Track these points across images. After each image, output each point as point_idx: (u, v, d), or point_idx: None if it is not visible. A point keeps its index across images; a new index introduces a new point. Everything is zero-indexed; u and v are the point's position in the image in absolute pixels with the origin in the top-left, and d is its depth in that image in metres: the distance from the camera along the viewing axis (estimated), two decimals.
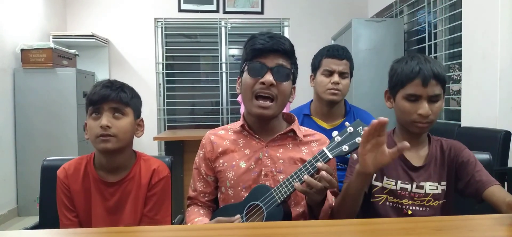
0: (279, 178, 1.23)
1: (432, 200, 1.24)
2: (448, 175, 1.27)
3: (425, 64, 1.19)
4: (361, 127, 1.11)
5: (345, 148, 1.10)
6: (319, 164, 1.07)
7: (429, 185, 1.25)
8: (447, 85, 3.32)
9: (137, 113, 1.35)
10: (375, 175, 1.29)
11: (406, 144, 1.00)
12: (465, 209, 1.35)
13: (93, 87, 1.29)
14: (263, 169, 1.25)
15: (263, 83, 1.18)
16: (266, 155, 1.26)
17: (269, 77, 1.18)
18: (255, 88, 1.20)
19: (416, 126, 1.21)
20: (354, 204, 1.15)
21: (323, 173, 1.06)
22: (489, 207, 1.44)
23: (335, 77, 1.78)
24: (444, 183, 1.26)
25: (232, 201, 1.26)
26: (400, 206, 1.25)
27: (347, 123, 1.13)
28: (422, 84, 1.18)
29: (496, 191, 1.13)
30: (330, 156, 1.10)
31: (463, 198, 1.27)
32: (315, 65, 1.88)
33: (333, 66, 1.79)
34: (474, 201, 1.21)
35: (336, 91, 1.78)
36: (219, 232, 0.97)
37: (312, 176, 1.08)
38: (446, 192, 1.26)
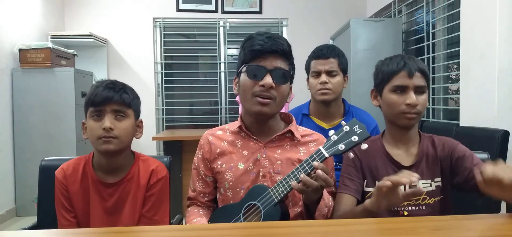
0: (277, 179, 1.23)
1: (427, 197, 1.24)
2: (443, 171, 1.26)
3: (409, 59, 1.25)
4: (356, 126, 1.11)
5: (341, 146, 1.10)
6: (315, 163, 1.08)
7: (422, 183, 1.24)
8: (445, 85, 3.34)
9: (137, 114, 1.35)
10: (366, 181, 1.30)
11: (414, 178, 0.98)
12: (464, 205, 1.35)
13: (94, 88, 1.27)
14: (261, 170, 1.25)
15: (262, 85, 1.18)
16: (264, 156, 1.26)
17: (268, 79, 1.18)
18: (255, 90, 1.20)
19: (405, 117, 1.23)
20: None
21: (319, 172, 1.06)
22: (489, 205, 1.44)
23: (322, 77, 1.78)
24: (437, 179, 1.26)
25: (231, 202, 1.26)
26: (395, 208, 1.24)
27: (343, 122, 1.14)
28: (408, 75, 1.22)
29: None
30: (327, 155, 1.10)
31: (463, 194, 1.26)
32: (307, 69, 1.90)
33: (319, 67, 1.80)
34: (477, 195, 1.20)
35: (325, 91, 1.78)
36: (217, 232, 0.96)
37: (309, 174, 1.09)
38: (442, 188, 1.25)
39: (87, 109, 1.27)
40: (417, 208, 1.24)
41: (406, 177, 0.98)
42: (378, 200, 1.05)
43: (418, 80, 1.22)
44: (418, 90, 1.23)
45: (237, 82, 1.29)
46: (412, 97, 1.21)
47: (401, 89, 1.23)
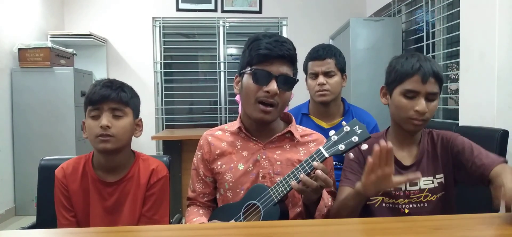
0: (277, 179, 1.22)
1: (429, 194, 1.23)
2: (444, 166, 1.25)
3: (425, 62, 1.19)
4: (357, 126, 1.11)
5: (342, 147, 1.10)
6: (315, 163, 1.08)
7: (423, 181, 1.24)
8: (445, 84, 3.34)
9: (136, 113, 1.35)
10: None
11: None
12: (466, 201, 1.35)
13: (92, 87, 1.28)
14: (260, 171, 1.25)
15: (267, 91, 1.17)
16: (264, 156, 1.26)
17: (274, 86, 1.16)
18: (259, 96, 1.19)
19: (412, 123, 1.20)
20: (350, 216, 1.15)
21: (319, 172, 1.06)
22: (489, 205, 1.44)
23: (320, 79, 1.77)
24: (439, 175, 1.25)
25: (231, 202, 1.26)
26: (396, 206, 1.24)
27: (344, 122, 1.13)
28: (421, 81, 1.17)
29: (499, 171, 1.08)
30: (327, 155, 1.10)
31: (465, 190, 1.25)
32: (305, 70, 1.89)
33: (316, 68, 1.80)
34: (484, 186, 1.18)
35: (324, 92, 1.77)
36: (217, 232, 0.96)
37: (308, 174, 1.09)
38: (444, 184, 1.24)
39: (86, 109, 1.28)
40: (418, 205, 1.23)
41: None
42: (367, 184, 1.04)
43: (431, 86, 1.18)
44: (430, 97, 1.19)
45: (239, 82, 1.27)
46: (422, 104, 1.17)
47: (412, 94, 1.19)
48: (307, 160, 1.11)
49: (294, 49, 1.23)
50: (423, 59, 1.20)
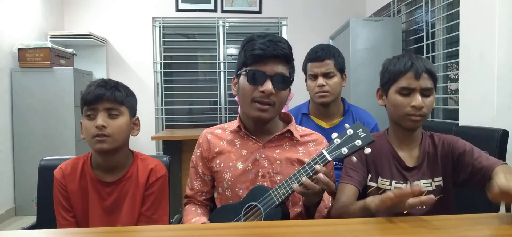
0: (276, 179, 1.22)
1: None
2: (444, 170, 1.25)
3: (417, 60, 1.22)
4: (360, 129, 1.11)
5: (345, 150, 1.10)
6: (317, 167, 1.07)
7: (424, 183, 1.25)
8: (445, 84, 3.34)
9: (133, 112, 1.34)
10: (370, 175, 1.30)
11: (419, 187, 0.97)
12: (464, 204, 1.35)
13: (87, 87, 1.27)
14: (260, 170, 1.25)
15: (262, 91, 1.17)
16: (263, 156, 1.26)
17: (268, 86, 1.17)
18: (254, 96, 1.19)
19: (410, 119, 1.21)
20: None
21: (320, 175, 1.06)
22: (488, 205, 1.44)
23: (319, 80, 1.77)
24: (437, 178, 1.25)
25: (230, 202, 1.26)
26: None
27: (346, 125, 1.13)
28: (414, 77, 1.20)
29: (497, 171, 1.08)
30: (329, 159, 1.10)
31: (463, 192, 1.25)
32: (304, 70, 1.89)
33: (315, 70, 1.79)
34: (483, 191, 1.18)
35: (323, 94, 1.77)
36: (217, 232, 0.96)
37: (310, 177, 1.08)
38: (443, 187, 1.25)
39: (83, 109, 1.28)
40: (417, 207, 1.23)
41: (412, 189, 0.95)
42: (382, 206, 1.02)
43: (425, 82, 1.20)
44: (425, 92, 1.21)
45: (236, 83, 1.28)
46: (418, 99, 1.19)
47: (407, 91, 1.21)
48: (309, 162, 1.10)
49: (289, 48, 1.23)
50: (415, 58, 1.23)
